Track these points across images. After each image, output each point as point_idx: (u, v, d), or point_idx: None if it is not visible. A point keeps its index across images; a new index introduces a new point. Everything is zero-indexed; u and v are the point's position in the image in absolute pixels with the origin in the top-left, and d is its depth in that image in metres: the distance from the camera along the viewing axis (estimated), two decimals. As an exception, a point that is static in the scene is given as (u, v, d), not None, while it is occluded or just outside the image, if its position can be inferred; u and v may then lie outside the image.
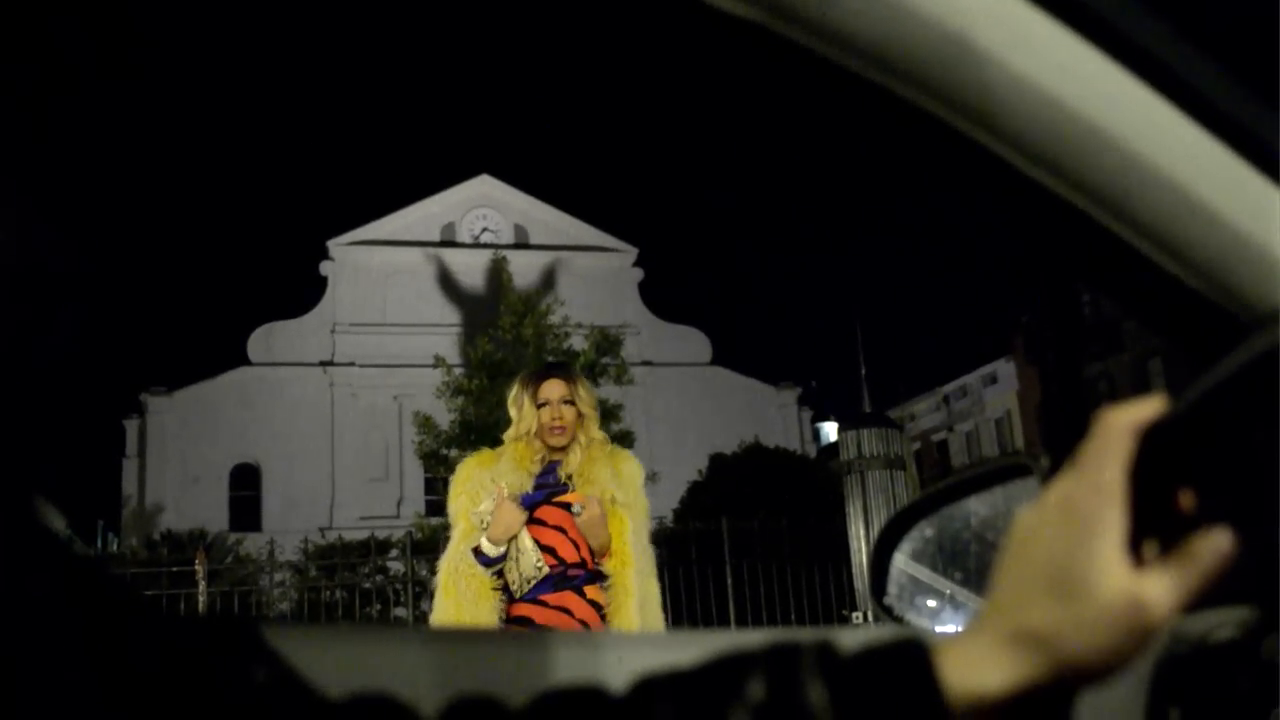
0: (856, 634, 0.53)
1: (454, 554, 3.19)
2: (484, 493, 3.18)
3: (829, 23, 0.66)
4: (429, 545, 15.22)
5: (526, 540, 3.14)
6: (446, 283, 31.98)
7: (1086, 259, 0.78)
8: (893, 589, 1.09)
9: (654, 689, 0.50)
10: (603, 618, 3.13)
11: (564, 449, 3.25)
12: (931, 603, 1.11)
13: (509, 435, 3.28)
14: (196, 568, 11.30)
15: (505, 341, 20.57)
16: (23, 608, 0.43)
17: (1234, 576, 0.47)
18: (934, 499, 1.08)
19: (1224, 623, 0.68)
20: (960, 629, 0.53)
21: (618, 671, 0.55)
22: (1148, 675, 0.71)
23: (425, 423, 20.83)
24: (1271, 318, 0.65)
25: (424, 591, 14.81)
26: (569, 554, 3.17)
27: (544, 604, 3.12)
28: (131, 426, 30.18)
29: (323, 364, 31.22)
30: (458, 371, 21.15)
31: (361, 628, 0.99)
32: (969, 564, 1.05)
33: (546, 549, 3.15)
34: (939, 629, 1.10)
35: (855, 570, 8.67)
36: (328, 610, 12.72)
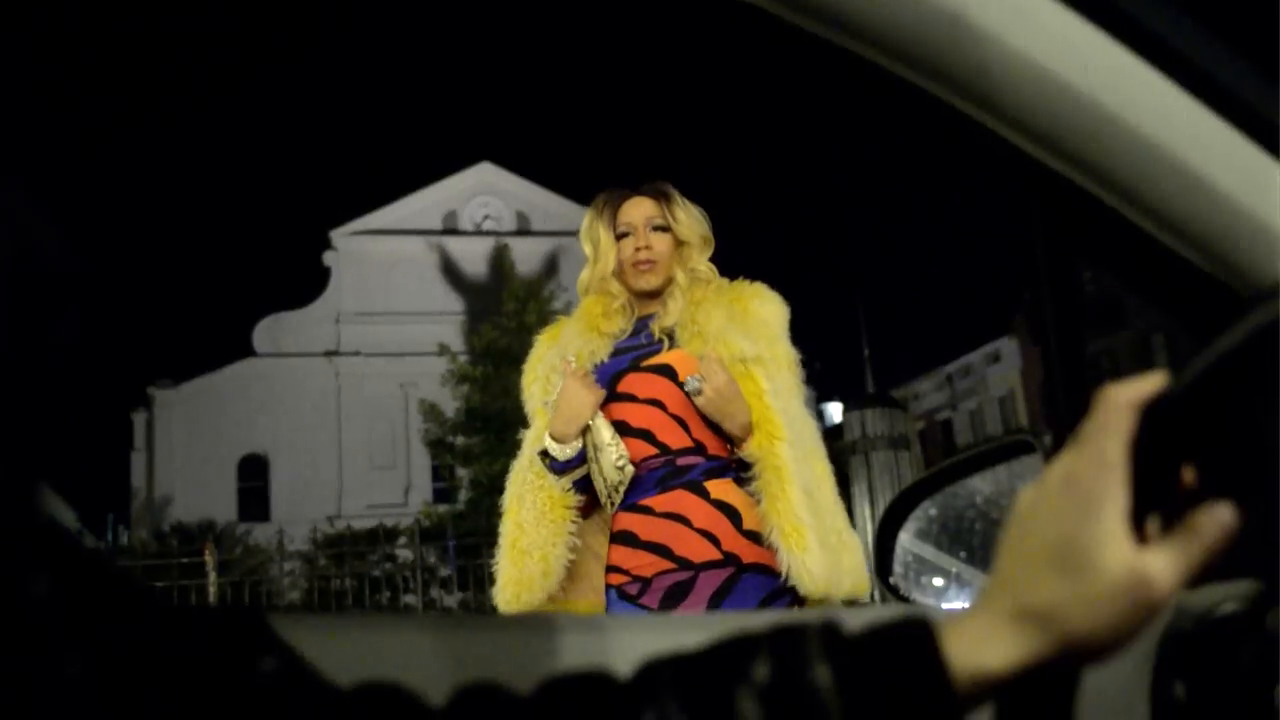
0: (862, 614, 0.53)
1: (523, 461, 2.29)
2: (556, 375, 2.26)
3: (827, 4, 0.66)
4: (437, 532, 15.26)
5: (604, 431, 2.18)
6: (449, 271, 31.94)
7: (1087, 236, 0.78)
8: (898, 568, 1.10)
9: (659, 672, 0.50)
10: (737, 522, 2.14)
11: (657, 295, 2.28)
12: (937, 581, 1.12)
13: (582, 284, 2.35)
14: (206, 559, 11.33)
15: (509, 328, 20.56)
16: (29, 603, 0.43)
17: (1237, 550, 0.47)
18: (938, 478, 1.08)
19: (1228, 597, 0.68)
20: (966, 606, 0.53)
21: (624, 655, 0.55)
22: (1152, 650, 0.72)
23: (431, 410, 20.87)
24: (1271, 292, 0.65)
25: (432, 578, 14.84)
26: (673, 437, 2.17)
27: (649, 510, 2.16)
28: (139, 419, 30.23)
29: (328, 354, 31.23)
30: (462, 359, 21.19)
31: (370, 616, 1.00)
32: (974, 542, 1.06)
33: (641, 433, 2.19)
34: (945, 607, 1.10)
35: (861, 550, 8.68)
36: (337, 599, 12.75)
